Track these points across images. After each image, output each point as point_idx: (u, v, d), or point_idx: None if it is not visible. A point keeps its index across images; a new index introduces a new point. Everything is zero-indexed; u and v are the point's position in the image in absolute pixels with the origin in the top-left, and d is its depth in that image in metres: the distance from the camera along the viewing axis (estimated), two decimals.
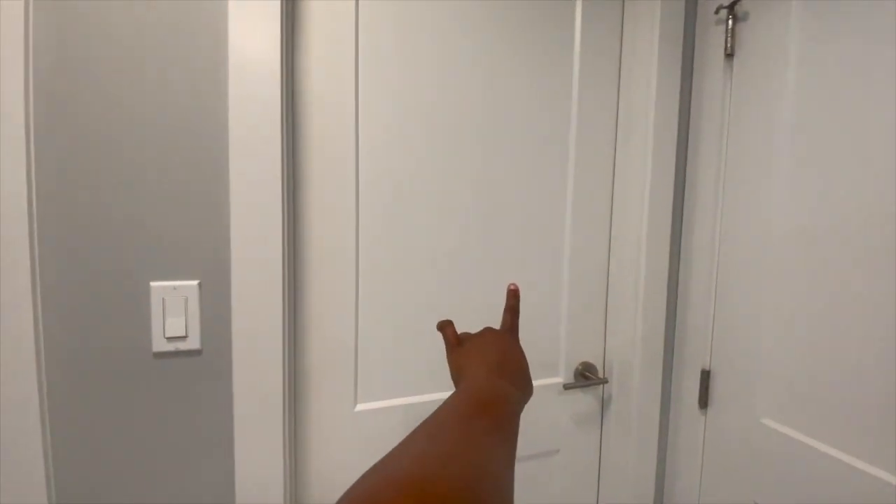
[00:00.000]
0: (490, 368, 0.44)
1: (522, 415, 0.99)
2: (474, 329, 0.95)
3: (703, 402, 1.00)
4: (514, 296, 0.55)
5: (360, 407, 0.87)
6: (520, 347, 0.50)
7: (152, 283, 0.67)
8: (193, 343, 0.69)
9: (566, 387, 0.99)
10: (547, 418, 1.02)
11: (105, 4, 0.63)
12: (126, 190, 0.65)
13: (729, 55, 0.94)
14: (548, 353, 1.02)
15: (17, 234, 0.61)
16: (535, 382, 1.01)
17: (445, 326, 0.54)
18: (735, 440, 0.94)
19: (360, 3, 0.81)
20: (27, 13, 0.60)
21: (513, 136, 0.94)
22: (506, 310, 0.55)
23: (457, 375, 0.47)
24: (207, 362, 0.71)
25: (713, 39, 0.97)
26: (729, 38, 0.94)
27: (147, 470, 0.69)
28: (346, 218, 0.83)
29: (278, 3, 0.69)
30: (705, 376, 0.99)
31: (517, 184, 0.95)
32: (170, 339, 0.68)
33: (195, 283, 0.69)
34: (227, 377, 0.72)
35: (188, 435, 0.71)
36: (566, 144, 0.99)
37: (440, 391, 0.93)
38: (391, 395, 0.90)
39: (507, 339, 0.50)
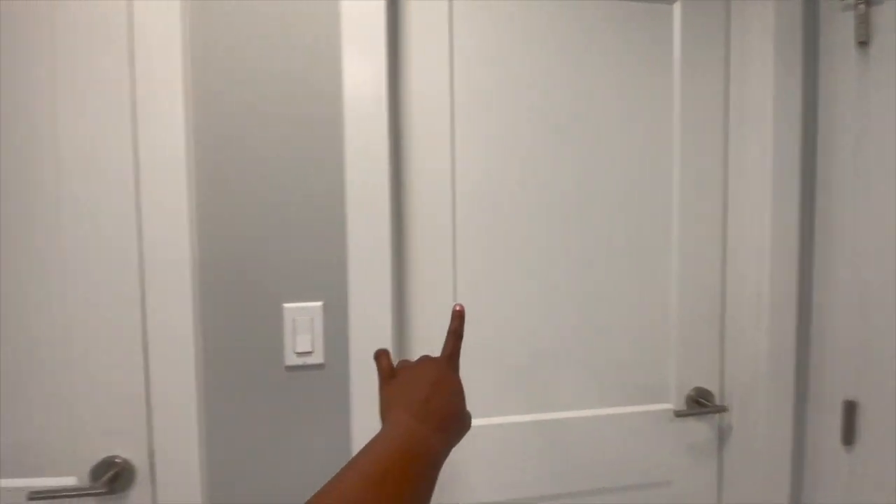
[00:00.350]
0: (415, 410, 0.42)
1: (629, 441, 0.94)
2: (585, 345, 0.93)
3: (849, 437, 0.87)
4: (458, 317, 0.51)
5: None
6: (455, 378, 0.48)
7: (285, 305, 0.76)
8: (318, 358, 0.77)
9: (678, 414, 0.93)
10: (657, 447, 0.96)
11: (250, 75, 0.74)
12: (264, 226, 0.76)
13: (862, 43, 0.84)
14: (656, 376, 0.96)
15: (182, 259, 0.73)
16: (641, 407, 0.95)
17: (380, 356, 0.51)
18: (892, 485, 0.80)
19: (454, 29, 0.86)
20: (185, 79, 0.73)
21: (610, 142, 0.92)
22: (448, 333, 0.51)
23: (383, 413, 0.45)
24: (329, 375, 0.78)
25: (841, 27, 0.87)
26: (862, 25, 0.84)
27: (280, 466, 0.77)
28: (444, 242, 0.87)
29: (384, 52, 0.76)
30: (850, 408, 0.86)
31: (617, 193, 0.92)
32: (299, 354, 0.77)
33: (319, 304, 0.77)
34: (346, 388, 0.78)
35: (313, 438, 0.78)
36: (669, 148, 0.94)
37: (542, 411, 0.92)
38: (492, 413, 0.91)
39: (442, 371, 0.47)
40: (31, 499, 0.69)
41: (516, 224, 0.89)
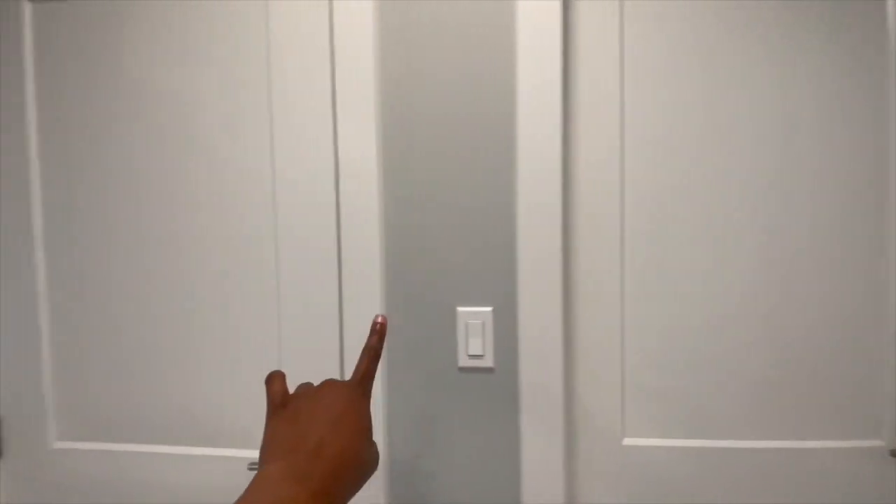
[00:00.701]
0: (297, 464, 0.34)
1: (826, 482, 0.81)
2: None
3: None
4: (377, 332, 0.42)
5: (628, 441, 0.85)
6: (363, 409, 0.39)
7: (458, 308, 0.81)
8: (488, 362, 0.80)
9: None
10: (863, 492, 0.82)
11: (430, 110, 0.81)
12: (441, 230, 0.81)
13: None
14: (863, 404, 0.82)
15: (374, 260, 0.81)
16: (845, 443, 0.82)
17: (272, 380, 0.41)
18: None
19: (624, 28, 0.84)
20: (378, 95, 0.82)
21: (811, 142, 0.81)
22: (364, 349, 0.41)
23: (261, 455, 0.37)
24: (499, 379, 0.81)
25: None
26: None
27: (453, 461, 0.82)
28: (612, 249, 0.84)
29: (559, 54, 0.77)
30: None
31: (819, 195, 0.81)
32: (471, 356, 0.80)
33: (489, 309, 0.80)
34: (515, 392, 0.80)
35: (484, 438, 0.81)
36: (886, 149, 0.80)
37: (715, 438, 0.84)
38: (653, 434, 0.85)
39: (347, 402, 0.38)
40: (251, 468, 0.81)
41: (693, 232, 0.83)
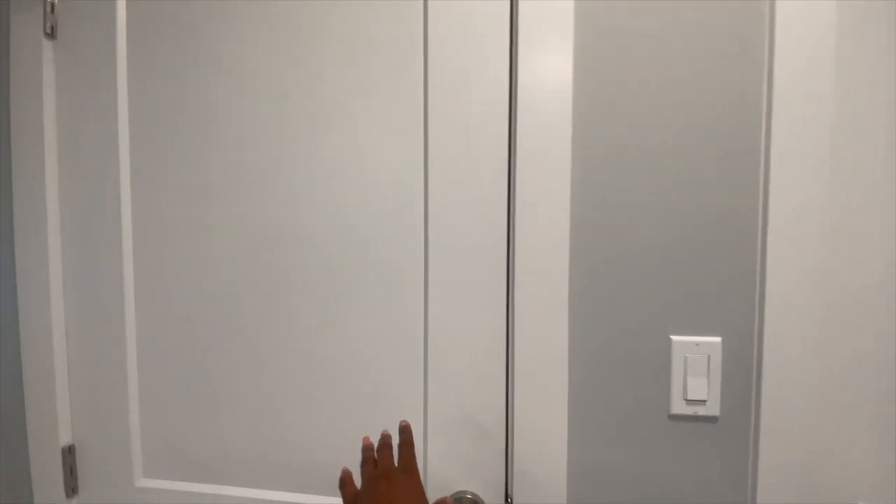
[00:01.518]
0: None
1: None
2: None
3: None
4: (405, 431, 0.55)
5: None
6: (413, 488, 0.48)
7: (673, 338, 0.60)
8: (712, 409, 0.60)
9: None
10: None
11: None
12: (649, 235, 0.60)
13: None
14: None
15: (555, 291, 0.61)
16: None
17: (345, 484, 0.52)
18: None
19: None
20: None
21: None
22: (399, 445, 0.54)
23: None
24: (723, 433, 0.60)
25: None
26: None
27: None
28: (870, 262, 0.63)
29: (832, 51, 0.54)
30: None
31: None
32: (689, 401, 0.60)
33: (718, 339, 0.60)
34: (744, 452, 0.60)
35: None
36: None
37: None
38: None
39: (398, 488, 0.47)
40: None
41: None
